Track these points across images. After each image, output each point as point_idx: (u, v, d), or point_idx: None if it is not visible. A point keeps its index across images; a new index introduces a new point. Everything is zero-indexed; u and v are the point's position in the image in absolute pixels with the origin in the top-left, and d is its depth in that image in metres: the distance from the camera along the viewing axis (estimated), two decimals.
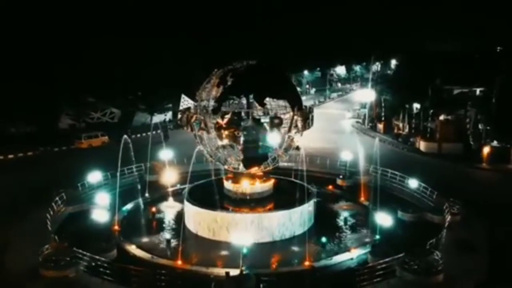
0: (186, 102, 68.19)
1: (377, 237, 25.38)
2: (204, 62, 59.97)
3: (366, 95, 73.66)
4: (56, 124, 54.94)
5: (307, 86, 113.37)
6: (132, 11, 58.57)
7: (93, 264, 20.99)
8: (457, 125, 51.37)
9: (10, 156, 44.66)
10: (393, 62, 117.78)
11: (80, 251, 21.37)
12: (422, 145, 51.42)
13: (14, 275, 20.98)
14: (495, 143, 44.41)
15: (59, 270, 20.61)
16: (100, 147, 49.84)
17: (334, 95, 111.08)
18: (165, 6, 63.78)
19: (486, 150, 44.13)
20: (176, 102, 66.17)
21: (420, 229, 26.26)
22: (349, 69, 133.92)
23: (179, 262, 22.52)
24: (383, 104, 65.53)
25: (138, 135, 54.79)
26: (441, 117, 53.14)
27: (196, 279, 20.85)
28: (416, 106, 58.93)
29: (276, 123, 25.64)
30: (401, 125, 60.47)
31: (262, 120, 26.47)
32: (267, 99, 25.81)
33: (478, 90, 55.06)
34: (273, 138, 26.39)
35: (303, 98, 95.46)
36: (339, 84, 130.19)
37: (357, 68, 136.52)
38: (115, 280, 20.11)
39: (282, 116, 25.94)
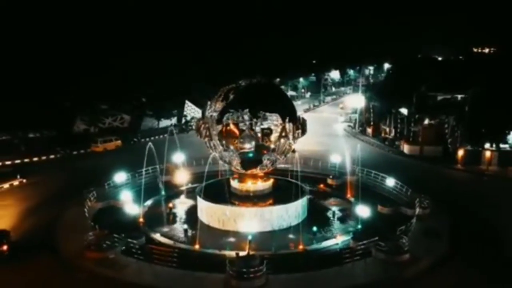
0: (189, 107, 73.66)
1: (359, 226, 30.63)
2: (205, 72, 66.01)
3: (356, 100, 78.45)
4: (72, 129, 59.68)
5: (303, 90, 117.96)
6: (140, 29, 64.20)
7: (129, 247, 26.01)
8: (438, 129, 56.35)
9: (35, 159, 49.40)
10: (386, 65, 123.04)
11: (119, 236, 26.36)
12: (406, 148, 56.58)
13: (65, 257, 26.02)
14: (468, 146, 49.43)
15: (102, 252, 25.65)
16: (114, 151, 54.67)
17: (328, 99, 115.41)
18: (168, 24, 69.48)
19: (460, 152, 49.48)
20: (180, 108, 71.67)
21: (395, 220, 31.17)
22: (343, 73, 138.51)
23: (197, 247, 27.52)
24: (371, 110, 70.34)
25: (147, 139, 59.54)
26: (426, 122, 58.06)
27: (212, 259, 25.81)
28: (403, 111, 63.24)
29: (267, 132, 30.81)
30: (387, 129, 65.30)
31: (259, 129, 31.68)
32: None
33: (459, 97, 59.78)
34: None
35: (299, 102, 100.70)
36: (333, 88, 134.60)
37: (351, 72, 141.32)
38: (147, 260, 25.16)
39: (276, 126, 31.11)
